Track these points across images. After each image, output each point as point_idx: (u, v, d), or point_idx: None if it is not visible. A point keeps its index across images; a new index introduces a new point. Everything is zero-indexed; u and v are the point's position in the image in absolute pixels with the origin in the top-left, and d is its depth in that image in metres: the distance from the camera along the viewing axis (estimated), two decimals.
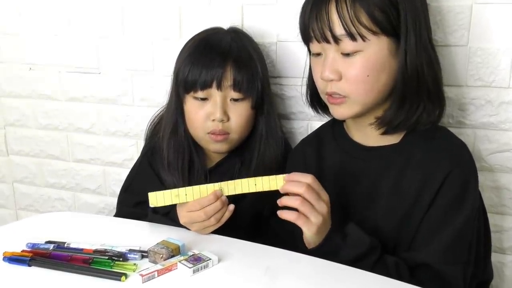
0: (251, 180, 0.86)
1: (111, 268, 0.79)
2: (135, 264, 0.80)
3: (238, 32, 1.12)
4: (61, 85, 1.46)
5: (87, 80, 1.42)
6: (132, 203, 1.10)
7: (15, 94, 1.52)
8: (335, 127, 1.02)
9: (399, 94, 0.87)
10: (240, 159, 1.11)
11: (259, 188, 0.86)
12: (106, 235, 0.90)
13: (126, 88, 1.38)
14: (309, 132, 1.22)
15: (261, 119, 1.09)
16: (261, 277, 0.77)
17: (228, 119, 1.04)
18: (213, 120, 1.03)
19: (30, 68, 1.48)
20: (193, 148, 1.10)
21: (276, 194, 0.88)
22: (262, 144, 1.09)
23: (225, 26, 1.13)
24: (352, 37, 0.83)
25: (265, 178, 0.86)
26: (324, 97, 0.93)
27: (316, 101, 1.01)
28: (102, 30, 1.37)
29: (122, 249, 0.83)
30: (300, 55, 1.18)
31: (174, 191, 0.88)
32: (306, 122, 1.23)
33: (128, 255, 0.82)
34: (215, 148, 1.07)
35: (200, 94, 1.03)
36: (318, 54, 0.90)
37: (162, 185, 1.08)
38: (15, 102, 1.53)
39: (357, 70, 0.85)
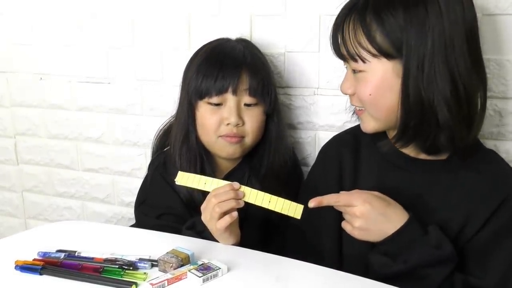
0: (267, 196, 0.87)
1: (122, 277, 0.79)
2: (145, 273, 0.80)
3: (247, 41, 1.14)
4: (71, 95, 1.48)
5: (97, 90, 1.44)
6: (155, 215, 1.10)
7: (26, 103, 1.54)
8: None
9: (401, 119, 0.85)
10: (249, 167, 1.11)
11: (272, 207, 0.86)
12: (116, 244, 0.91)
13: (135, 98, 1.40)
14: (317, 142, 1.23)
15: (272, 125, 1.11)
16: (270, 286, 0.77)
17: (243, 124, 1.05)
18: (228, 124, 1.04)
19: (41, 78, 1.50)
20: (205, 157, 1.11)
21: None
22: (272, 150, 1.10)
23: (234, 36, 1.15)
24: (352, 58, 0.86)
25: (284, 200, 0.86)
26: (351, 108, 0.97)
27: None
28: (112, 41, 1.39)
29: (132, 258, 0.84)
30: (308, 65, 1.20)
31: (200, 177, 0.92)
32: (314, 132, 1.23)
33: (138, 264, 0.83)
34: (229, 152, 1.07)
35: (215, 99, 1.04)
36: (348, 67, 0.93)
37: (178, 196, 1.08)
38: (25, 111, 1.55)
39: (361, 88, 0.88)
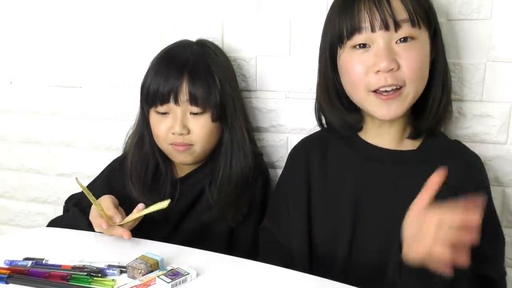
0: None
1: (90, 284, 0.79)
2: (113, 280, 0.80)
3: (203, 44, 1.12)
4: (42, 99, 1.46)
5: (68, 94, 1.42)
6: (71, 203, 1.14)
7: None
8: None
9: (441, 86, 0.91)
10: (211, 171, 1.11)
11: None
12: (85, 251, 0.90)
13: (107, 102, 1.39)
14: (289, 145, 1.24)
15: (226, 131, 1.09)
16: None
17: (189, 132, 1.05)
18: (173, 133, 1.04)
19: (11, 82, 1.48)
20: (160, 158, 1.12)
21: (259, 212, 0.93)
22: (228, 156, 1.09)
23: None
24: (413, 22, 0.85)
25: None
26: (365, 97, 0.89)
27: (329, 108, 0.99)
28: (83, 45, 1.37)
29: (101, 264, 0.84)
30: (279, 69, 1.20)
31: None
32: (286, 135, 1.24)
33: (107, 271, 0.82)
34: (179, 159, 1.08)
35: (161, 109, 1.05)
36: (363, 46, 0.88)
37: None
38: None
39: (414, 56, 0.86)
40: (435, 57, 0.92)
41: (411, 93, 0.88)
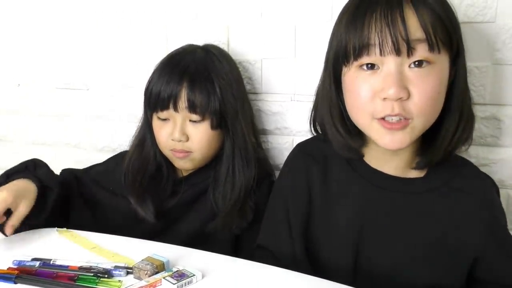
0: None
1: (96, 285, 0.80)
2: (120, 280, 0.81)
3: (208, 50, 1.10)
4: (49, 101, 1.47)
5: (75, 96, 1.44)
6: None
7: (3, 110, 1.53)
8: None
9: (457, 116, 0.82)
10: (214, 177, 1.10)
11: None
12: (92, 252, 0.91)
13: (114, 104, 1.40)
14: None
15: (226, 139, 1.09)
16: None
17: (187, 139, 1.05)
18: (173, 139, 1.05)
19: (19, 85, 1.50)
20: (163, 160, 1.13)
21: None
22: (230, 164, 1.08)
23: (211, 43, 1.16)
24: (431, 45, 0.75)
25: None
26: (369, 124, 0.81)
27: (331, 130, 0.90)
28: (90, 48, 1.39)
29: (108, 265, 0.84)
30: (284, 72, 1.21)
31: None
32: (291, 137, 1.25)
33: (113, 272, 0.83)
34: (179, 164, 1.10)
35: (161, 115, 1.05)
36: (371, 67, 0.79)
37: (97, 184, 1.18)
38: (3, 118, 1.54)
39: (429, 85, 0.76)
40: (454, 80, 0.81)
41: (419, 126, 0.79)
